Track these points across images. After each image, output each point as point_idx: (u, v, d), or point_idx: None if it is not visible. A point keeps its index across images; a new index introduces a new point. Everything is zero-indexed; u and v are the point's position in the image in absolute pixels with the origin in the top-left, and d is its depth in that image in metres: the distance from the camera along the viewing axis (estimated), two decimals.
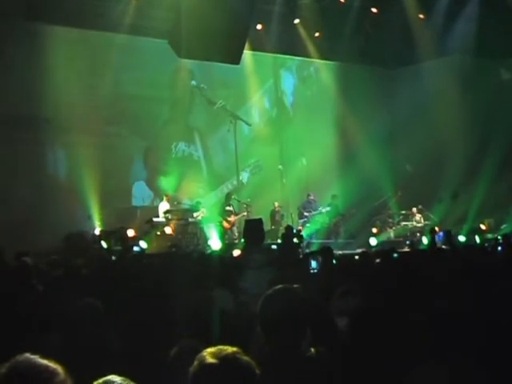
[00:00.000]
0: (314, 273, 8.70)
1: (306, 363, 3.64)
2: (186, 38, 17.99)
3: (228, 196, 18.92)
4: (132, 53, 18.00)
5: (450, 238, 15.43)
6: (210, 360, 2.68)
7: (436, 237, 17.90)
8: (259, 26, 20.46)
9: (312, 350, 3.74)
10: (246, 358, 2.73)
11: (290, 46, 21.21)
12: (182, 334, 4.54)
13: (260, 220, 7.83)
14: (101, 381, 2.42)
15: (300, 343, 3.68)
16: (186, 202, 18.68)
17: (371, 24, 20.66)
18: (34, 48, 16.51)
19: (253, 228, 7.44)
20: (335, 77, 21.77)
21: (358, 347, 4.22)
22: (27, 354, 2.42)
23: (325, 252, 8.88)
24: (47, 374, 2.37)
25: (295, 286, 3.93)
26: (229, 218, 18.31)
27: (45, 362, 2.41)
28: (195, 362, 2.72)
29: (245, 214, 18.23)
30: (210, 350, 2.74)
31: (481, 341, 4.11)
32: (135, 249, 12.60)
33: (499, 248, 11.15)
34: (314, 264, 9.59)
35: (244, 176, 20.11)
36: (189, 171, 19.62)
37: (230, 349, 2.74)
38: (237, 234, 18.01)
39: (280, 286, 3.83)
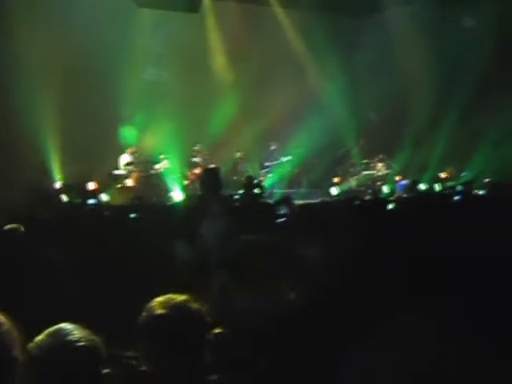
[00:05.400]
0: (281, 221, 8.70)
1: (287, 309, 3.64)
2: None
3: (191, 147, 18.80)
4: (92, 2, 17.53)
5: (413, 186, 15.55)
6: (159, 310, 2.66)
7: (397, 185, 18.12)
8: None
9: (292, 296, 3.74)
10: (195, 305, 2.69)
11: None
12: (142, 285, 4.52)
13: (217, 169, 7.76)
14: (52, 329, 2.39)
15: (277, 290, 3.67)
16: (149, 154, 18.50)
17: None
18: None
19: (209, 177, 7.38)
20: (296, 26, 21.53)
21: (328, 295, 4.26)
22: None
23: (284, 202, 8.88)
24: None
25: (259, 235, 3.91)
26: (194, 170, 18.22)
27: None
28: (144, 313, 2.69)
29: (213, 166, 18.14)
30: (158, 299, 2.71)
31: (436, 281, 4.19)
32: (91, 201, 12.51)
33: (456, 197, 11.15)
34: (283, 210, 9.60)
35: None
36: None
37: (178, 297, 2.71)
38: None
39: (247, 236, 3.81)
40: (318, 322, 3.53)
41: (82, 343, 2.33)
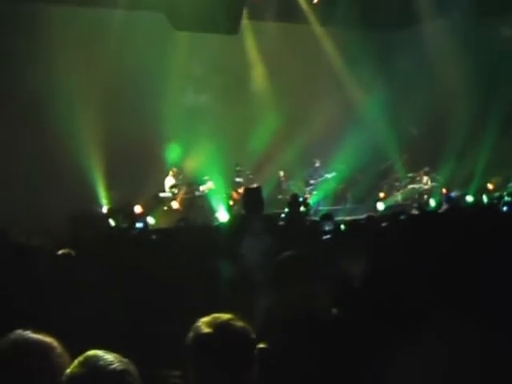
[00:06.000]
0: (326, 238, 8.67)
1: (326, 324, 3.64)
2: (182, 10, 17.89)
3: (234, 168, 18.88)
4: (129, 27, 17.76)
5: (451, 201, 15.39)
6: (205, 330, 2.71)
7: (444, 198, 17.91)
8: None
9: (334, 310, 3.76)
10: (240, 323, 2.76)
11: (288, 14, 20.97)
12: (187, 307, 4.53)
13: (259, 188, 7.76)
14: (81, 358, 2.38)
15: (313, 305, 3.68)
16: (193, 176, 18.62)
17: None
18: (28, 29, 16.46)
19: (251, 196, 7.39)
20: (334, 42, 21.55)
21: (371, 307, 4.23)
22: (19, 331, 2.40)
23: (329, 218, 8.85)
24: (43, 348, 2.36)
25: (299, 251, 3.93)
26: (239, 190, 18.27)
27: (39, 336, 2.39)
28: (191, 333, 2.74)
29: (257, 184, 18.14)
30: (204, 319, 2.77)
31: (483, 295, 4.12)
32: (138, 225, 12.63)
33: (505, 208, 10.96)
34: (327, 226, 9.59)
35: None
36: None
37: (224, 316, 2.78)
38: None
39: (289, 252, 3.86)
40: (359, 337, 3.51)
41: (114, 366, 2.34)
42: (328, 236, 8.73)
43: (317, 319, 3.60)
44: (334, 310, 3.78)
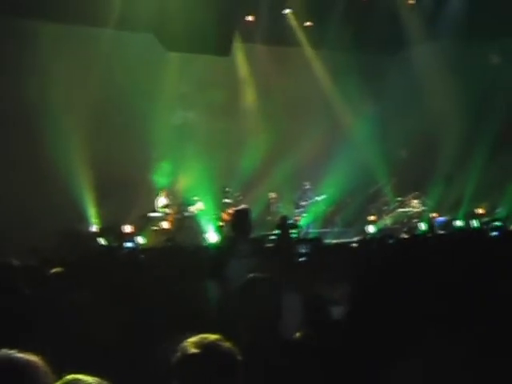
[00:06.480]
0: (302, 261, 8.70)
1: (287, 346, 3.68)
2: (173, 31, 17.97)
3: (223, 189, 18.88)
4: (119, 48, 17.84)
5: (438, 226, 15.46)
6: (192, 350, 2.70)
7: (434, 222, 17.96)
8: (249, 18, 20.44)
9: (297, 334, 3.80)
10: (227, 344, 2.76)
11: (280, 36, 21.10)
12: (171, 326, 4.54)
13: (247, 209, 7.74)
14: (66, 378, 2.38)
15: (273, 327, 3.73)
16: (183, 196, 18.62)
17: (361, 11, 20.55)
18: (20, 45, 16.51)
19: (239, 218, 7.38)
20: (325, 65, 21.67)
21: (358, 333, 4.24)
22: (5, 350, 2.39)
23: (313, 242, 8.88)
24: (29, 368, 2.35)
25: (265, 275, 3.98)
26: (228, 211, 18.26)
27: (24, 355, 2.38)
28: (178, 353, 2.74)
29: (245, 206, 18.07)
30: (191, 339, 2.76)
31: (474, 318, 4.15)
32: (128, 245, 12.64)
33: (494, 233, 11.00)
34: (303, 249, 9.65)
35: None
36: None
37: (211, 337, 2.78)
38: None
39: (251, 275, 3.93)
40: (325, 362, 3.54)
41: None
42: (303, 259, 8.79)
43: (281, 340, 3.65)
44: (298, 334, 3.83)
